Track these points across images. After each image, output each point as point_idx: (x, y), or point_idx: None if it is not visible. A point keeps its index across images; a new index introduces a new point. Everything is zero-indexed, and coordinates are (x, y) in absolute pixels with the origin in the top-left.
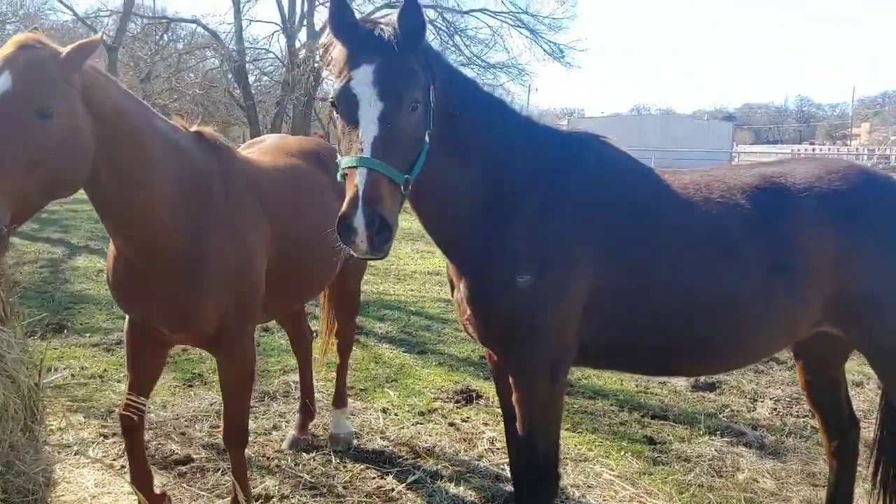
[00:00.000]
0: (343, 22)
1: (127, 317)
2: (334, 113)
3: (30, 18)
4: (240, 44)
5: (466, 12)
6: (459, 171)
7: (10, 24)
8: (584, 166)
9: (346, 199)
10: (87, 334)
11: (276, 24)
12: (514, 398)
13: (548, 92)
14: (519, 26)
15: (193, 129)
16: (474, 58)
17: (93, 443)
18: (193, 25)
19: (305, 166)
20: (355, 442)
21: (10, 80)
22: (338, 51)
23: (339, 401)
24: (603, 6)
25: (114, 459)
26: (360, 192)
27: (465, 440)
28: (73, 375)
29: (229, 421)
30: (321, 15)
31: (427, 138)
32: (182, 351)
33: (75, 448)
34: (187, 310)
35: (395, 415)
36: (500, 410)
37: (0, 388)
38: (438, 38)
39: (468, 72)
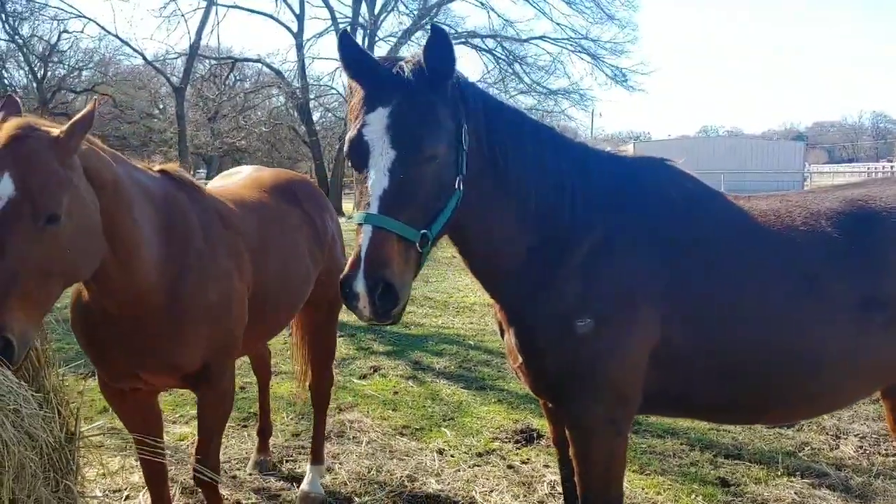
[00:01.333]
0: (359, 62)
1: (97, 375)
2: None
3: (104, 64)
4: (303, 81)
5: (526, 40)
6: (504, 208)
7: (86, 71)
8: (647, 196)
9: (349, 260)
10: None
11: (337, 60)
12: (570, 452)
13: (612, 116)
14: (579, 52)
15: (157, 168)
16: (535, 84)
17: (143, 487)
18: (259, 65)
19: (276, 202)
20: (410, 485)
21: (11, 185)
22: (357, 94)
23: (316, 457)
24: (666, 28)
25: None
26: (363, 254)
27: (524, 484)
28: None
29: (204, 457)
30: (381, 51)
31: (459, 185)
32: (239, 389)
33: (126, 493)
34: (169, 353)
35: (452, 456)
36: None
37: (16, 446)
38: (498, 66)
39: (528, 99)
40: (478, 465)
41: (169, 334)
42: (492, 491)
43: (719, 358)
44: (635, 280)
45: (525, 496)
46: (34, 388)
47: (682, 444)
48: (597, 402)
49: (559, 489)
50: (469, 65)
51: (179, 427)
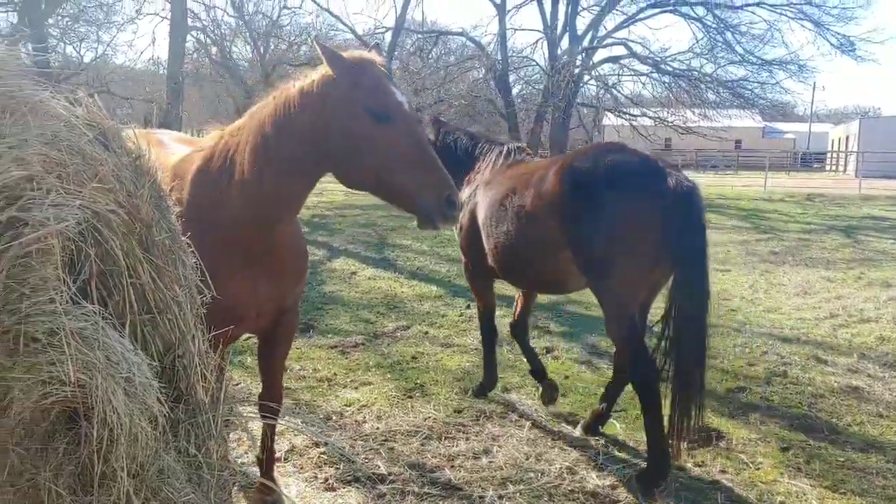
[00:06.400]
0: None
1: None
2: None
3: (321, 38)
4: (503, 53)
5: (740, 7)
6: None
7: (304, 46)
8: None
9: None
10: (329, 335)
11: (539, 30)
12: None
13: (836, 89)
14: (800, 19)
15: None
16: (747, 55)
17: (301, 452)
18: (463, 38)
19: None
20: (569, 477)
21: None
22: None
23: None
24: None
25: (317, 468)
26: None
27: (694, 489)
28: (304, 377)
29: (278, 394)
30: (584, 20)
31: None
32: (411, 359)
33: (281, 454)
34: (290, 284)
35: (618, 451)
36: (742, 456)
37: (128, 416)
38: (707, 35)
39: (739, 70)
40: (646, 464)
41: (293, 263)
42: (656, 494)
43: None
44: None
45: (692, 502)
46: (180, 351)
47: (889, 462)
48: None
49: (735, 498)
50: (675, 34)
51: (349, 392)
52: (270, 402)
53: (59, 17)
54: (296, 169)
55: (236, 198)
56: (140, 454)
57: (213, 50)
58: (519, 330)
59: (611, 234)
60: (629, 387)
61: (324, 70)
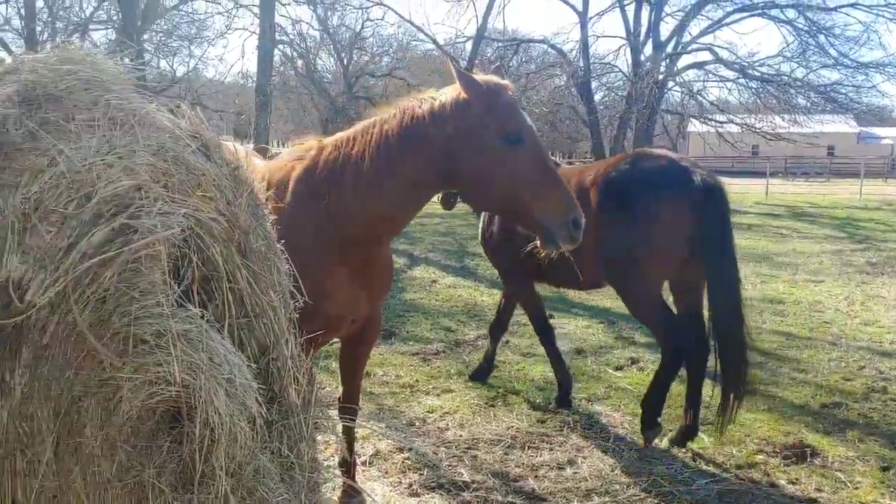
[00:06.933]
0: None
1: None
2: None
3: (402, 50)
4: (585, 60)
5: (833, 9)
6: None
7: (386, 57)
8: None
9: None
10: (411, 342)
11: (622, 37)
12: None
13: None
14: None
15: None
16: (841, 57)
17: (385, 457)
18: (545, 46)
19: None
20: (654, 490)
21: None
22: None
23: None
24: None
25: (401, 473)
26: None
27: None
28: (387, 383)
29: (358, 393)
30: (668, 26)
31: None
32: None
33: (366, 459)
34: (385, 289)
35: (707, 465)
36: (839, 474)
37: (229, 417)
38: (798, 38)
39: (833, 74)
40: (736, 479)
41: (388, 271)
42: None
43: None
44: None
45: None
46: (274, 354)
47: None
48: None
49: None
50: (764, 38)
51: (431, 399)
52: (351, 405)
53: (154, 33)
54: (419, 185)
55: (353, 207)
56: (238, 454)
57: (299, 63)
58: (497, 330)
59: (641, 234)
60: (715, 399)
61: (455, 93)
